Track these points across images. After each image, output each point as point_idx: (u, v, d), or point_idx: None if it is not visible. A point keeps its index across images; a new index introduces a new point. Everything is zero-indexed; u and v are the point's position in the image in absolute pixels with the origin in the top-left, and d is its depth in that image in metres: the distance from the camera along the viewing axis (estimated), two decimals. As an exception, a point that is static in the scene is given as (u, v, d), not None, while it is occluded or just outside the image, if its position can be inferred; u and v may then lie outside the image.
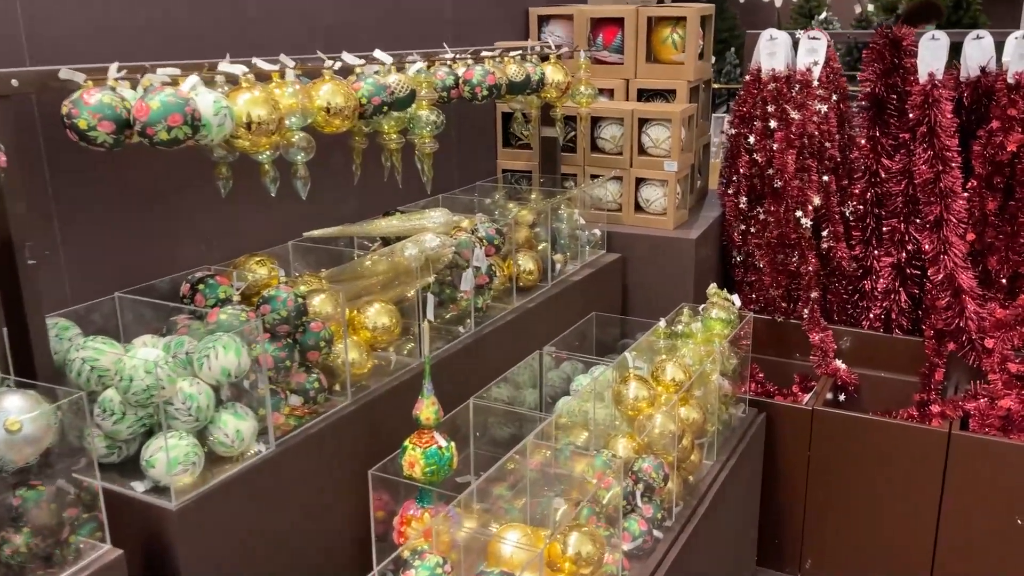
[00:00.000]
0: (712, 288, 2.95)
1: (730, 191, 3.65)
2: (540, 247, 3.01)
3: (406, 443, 2.00)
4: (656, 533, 2.28)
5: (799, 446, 3.12)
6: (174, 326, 1.94)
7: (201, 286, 2.01)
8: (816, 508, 3.15)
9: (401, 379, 2.23)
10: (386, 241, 2.54)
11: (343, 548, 2.11)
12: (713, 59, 3.94)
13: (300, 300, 1.93)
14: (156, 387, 1.64)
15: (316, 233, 2.47)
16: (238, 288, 2.02)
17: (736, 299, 2.95)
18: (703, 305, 2.91)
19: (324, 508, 2.04)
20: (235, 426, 1.76)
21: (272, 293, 1.92)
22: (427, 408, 1.99)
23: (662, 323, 2.80)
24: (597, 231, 3.31)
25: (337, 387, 2.11)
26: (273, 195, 1.97)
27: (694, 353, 2.73)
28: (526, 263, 2.88)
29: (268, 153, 1.89)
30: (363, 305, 2.23)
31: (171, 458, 1.64)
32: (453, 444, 2.03)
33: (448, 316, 2.51)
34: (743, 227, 3.63)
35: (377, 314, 2.21)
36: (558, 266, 3.06)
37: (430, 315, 2.32)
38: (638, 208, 3.44)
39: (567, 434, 2.61)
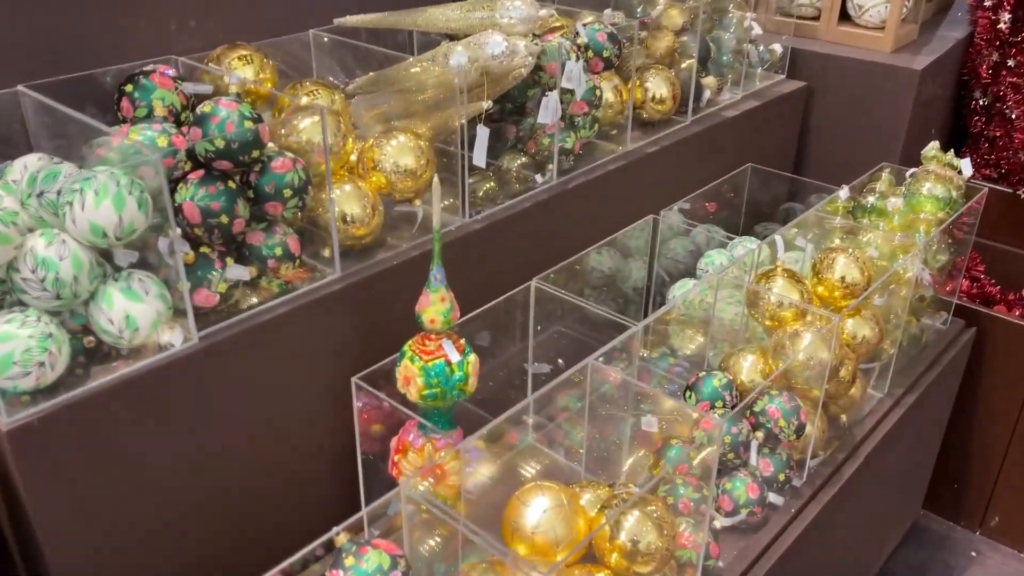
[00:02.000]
0: (932, 148, 2.12)
1: (987, 2, 2.63)
2: (684, 65, 2.14)
3: (405, 348, 1.38)
4: (773, 498, 1.62)
5: (1016, 376, 2.36)
6: (96, 145, 1.34)
7: (130, 87, 1.37)
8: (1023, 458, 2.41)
9: (425, 248, 1.56)
10: (451, 39, 1.79)
11: (305, 489, 1.53)
12: None
13: (250, 125, 1.26)
14: (-24, 246, 1.07)
15: (351, 20, 1.76)
16: (191, 92, 1.37)
17: (966, 165, 2.07)
18: (913, 170, 2.11)
19: (278, 431, 1.44)
20: (124, 308, 1.17)
21: (208, 110, 1.26)
22: (434, 306, 1.33)
23: (844, 191, 2.01)
24: (777, 47, 2.48)
25: (327, 253, 1.47)
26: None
27: (885, 242, 1.93)
28: (657, 87, 2.05)
29: None
30: (382, 137, 1.53)
31: (2, 354, 1.09)
32: (472, 359, 1.38)
33: (521, 160, 1.78)
34: (998, 57, 2.66)
35: (398, 151, 1.51)
36: (707, 93, 2.20)
37: (479, 160, 1.60)
38: (844, 17, 2.61)
39: (678, 333, 1.94)
